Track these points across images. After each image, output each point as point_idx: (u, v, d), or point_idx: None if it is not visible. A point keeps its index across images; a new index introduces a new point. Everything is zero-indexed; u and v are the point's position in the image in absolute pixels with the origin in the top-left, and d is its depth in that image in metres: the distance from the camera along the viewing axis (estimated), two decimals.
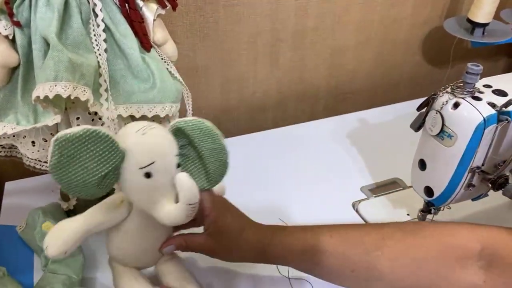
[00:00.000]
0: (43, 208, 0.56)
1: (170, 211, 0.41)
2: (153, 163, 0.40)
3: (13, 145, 0.55)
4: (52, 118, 0.46)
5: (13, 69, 0.47)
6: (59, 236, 0.43)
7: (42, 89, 0.42)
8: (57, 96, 0.43)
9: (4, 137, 0.52)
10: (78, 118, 0.52)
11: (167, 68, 0.53)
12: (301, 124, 0.85)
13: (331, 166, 0.74)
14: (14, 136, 0.53)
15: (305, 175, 0.72)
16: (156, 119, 0.50)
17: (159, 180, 0.41)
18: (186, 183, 0.40)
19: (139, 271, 0.49)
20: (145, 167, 0.40)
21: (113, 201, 0.45)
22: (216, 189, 0.49)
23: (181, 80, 0.54)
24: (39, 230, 0.54)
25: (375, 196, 0.68)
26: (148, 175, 0.40)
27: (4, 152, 0.56)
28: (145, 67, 0.49)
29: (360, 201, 0.67)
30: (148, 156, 0.40)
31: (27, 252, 0.57)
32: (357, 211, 0.65)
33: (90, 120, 0.52)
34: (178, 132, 0.44)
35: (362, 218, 0.64)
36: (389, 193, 0.68)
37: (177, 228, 0.49)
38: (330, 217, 0.63)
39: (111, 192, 0.44)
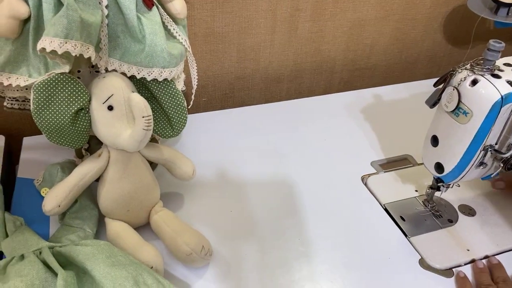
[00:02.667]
0: (60, 164, 0.58)
1: (130, 133, 0.47)
2: (112, 95, 0.47)
3: (26, 98, 0.56)
4: (61, 69, 0.47)
5: (24, 22, 0.48)
6: (52, 193, 0.50)
7: (49, 43, 0.42)
8: (66, 52, 0.44)
9: (17, 90, 0.54)
10: (79, 71, 0.54)
11: (170, 30, 0.52)
12: (315, 97, 0.85)
13: (343, 140, 0.74)
14: (27, 89, 0.54)
15: (317, 148, 0.72)
16: (155, 81, 0.51)
17: (120, 111, 0.47)
18: (135, 97, 0.45)
19: (130, 227, 0.53)
20: (106, 100, 0.47)
21: (94, 155, 0.52)
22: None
23: (185, 43, 0.53)
24: None
25: (384, 171, 0.68)
26: (110, 107, 0.47)
27: (18, 105, 0.57)
28: (140, 28, 0.48)
29: (369, 175, 0.67)
30: (107, 90, 0.47)
31: None
32: (365, 184, 0.66)
33: (88, 73, 0.54)
34: (139, 84, 0.51)
35: (371, 192, 0.64)
36: (399, 169, 0.69)
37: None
38: (339, 190, 0.64)
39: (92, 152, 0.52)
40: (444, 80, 0.52)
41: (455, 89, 0.50)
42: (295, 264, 0.53)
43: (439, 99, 0.53)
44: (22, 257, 0.45)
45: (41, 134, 0.71)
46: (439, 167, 0.55)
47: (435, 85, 0.53)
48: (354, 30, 0.88)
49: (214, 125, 0.76)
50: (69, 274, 0.41)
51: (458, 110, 0.50)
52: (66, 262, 0.44)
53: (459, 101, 0.49)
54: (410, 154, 0.72)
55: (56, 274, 0.42)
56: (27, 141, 0.70)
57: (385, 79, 0.99)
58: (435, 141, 0.55)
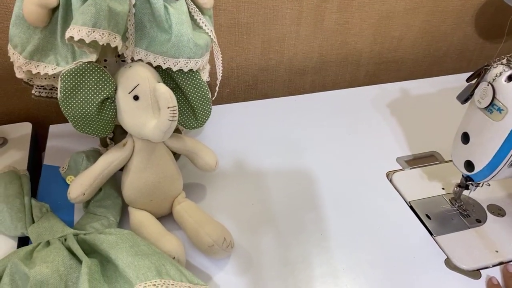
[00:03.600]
0: (85, 152, 0.58)
1: (156, 123, 0.47)
2: (138, 85, 0.47)
3: (54, 86, 0.57)
4: (88, 58, 0.47)
5: (53, 11, 0.48)
6: (77, 181, 0.51)
7: (77, 32, 0.42)
8: (93, 41, 0.44)
9: (45, 78, 0.54)
10: (105, 60, 0.54)
11: (197, 21, 0.52)
12: (340, 90, 0.83)
13: (368, 135, 0.73)
14: (54, 77, 0.54)
15: (340, 142, 0.71)
16: (181, 72, 0.50)
17: (145, 101, 0.47)
18: (161, 88, 0.45)
19: (153, 216, 0.53)
20: (132, 90, 0.47)
21: (119, 144, 0.52)
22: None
23: (211, 34, 0.53)
24: None
25: (410, 168, 0.66)
26: (136, 97, 0.47)
27: (45, 93, 0.58)
28: (166, 18, 0.48)
29: (395, 171, 0.66)
30: (133, 80, 0.47)
31: None
32: (390, 181, 0.64)
33: (115, 62, 0.54)
34: (164, 74, 0.51)
35: (396, 189, 0.63)
36: (426, 166, 0.67)
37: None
38: (362, 185, 0.63)
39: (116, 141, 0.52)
40: (478, 75, 0.50)
41: (489, 85, 0.48)
42: (316, 259, 0.53)
43: (471, 95, 0.51)
44: (48, 243, 0.46)
45: (67, 122, 0.72)
46: (469, 165, 0.53)
47: (468, 80, 0.51)
48: (381, 22, 0.86)
49: (237, 117, 0.75)
50: (93, 262, 0.42)
51: (492, 107, 0.48)
52: (90, 250, 0.45)
53: (494, 97, 0.47)
54: (437, 151, 0.70)
55: (80, 261, 0.43)
56: (53, 128, 0.71)
57: (412, 73, 0.97)
58: (465, 138, 0.53)
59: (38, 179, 0.65)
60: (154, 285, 0.37)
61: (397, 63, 0.94)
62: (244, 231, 0.55)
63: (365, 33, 0.86)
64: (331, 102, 0.80)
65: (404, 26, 0.88)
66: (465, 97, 0.52)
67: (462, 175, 0.56)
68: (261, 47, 0.82)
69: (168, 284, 0.38)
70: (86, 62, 0.46)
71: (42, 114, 0.78)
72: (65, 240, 0.46)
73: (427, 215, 0.59)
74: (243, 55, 0.82)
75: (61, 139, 0.69)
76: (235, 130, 0.72)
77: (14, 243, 0.53)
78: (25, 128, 0.71)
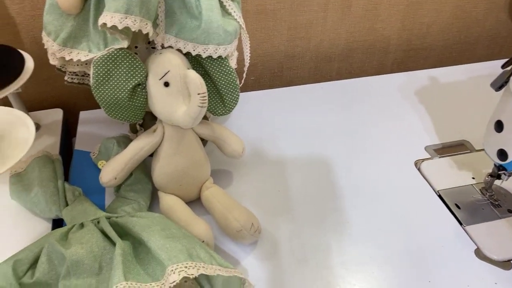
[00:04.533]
0: (116, 138, 0.60)
1: (186, 109, 0.47)
2: (168, 71, 0.47)
3: (86, 73, 0.58)
4: (120, 45, 0.47)
5: None
6: (108, 166, 0.52)
7: (110, 18, 0.43)
8: (126, 27, 0.44)
9: (77, 64, 0.55)
10: (136, 47, 0.54)
11: (226, 7, 0.52)
12: (367, 78, 0.82)
13: (395, 123, 0.72)
14: (86, 64, 0.55)
15: (368, 130, 0.70)
16: (210, 58, 0.50)
17: (175, 88, 0.48)
18: (191, 74, 0.45)
19: (182, 201, 0.54)
20: (162, 76, 0.48)
21: (149, 130, 0.53)
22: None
23: (239, 21, 0.53)
24: None
25: (439, 157, 0.65)
26: (166, 84, 0.48)
27: (77, 79, 0.59)
28: (196, 4, 0.48)
29: (423, 160, 0.65)
30: (164, 66, 0.48)
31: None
32: (419, 169, 0.63)
33: (145, 49, 0.55)
34: (193, 61, 0.51)
35: (424, 178, 0.62)
36: (455, 154, 0.66)
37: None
38: (390, 174, 0.63)
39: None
40: None
41: None
42: (343, 247, 0.53)
43: (506, 82, 0.50)
44: (81, 225, 0.47)
45: (97, 108, 0.74)
46: (502, 154, 0.52)
47: (503, 66, 0.50)
48: (411, 8, 0.84)
49: (262, 104, 0.75)
50: (126, 244, 0.43)
51: None
52: (122, 232, 0.46)
53: None
54: (467, 140, 0.68)
55: (113, 243, 0.44)
56: (83, 115, 0.73)
57: (441, 61, 0.94)
58: (499, 126, 0.51)
59: (69, 164, 0.67)
60: (186, 266, 0.38)
61: (426, 50, 0.92)
62: (270, 217, 0.56)
63: (393, 19, 0.85)
64: (358, 89, 0.79)
65: (434, 11, 0.86)
66: (500, 84, 0.50)
67: (494, 164, 0.55)
68: (288, 33, 0.81)
69: (199, 267, 0.38)
70: (118, 48, 0.47)
71: (72, 101, 0.80)
72: (98, 222, 0.47)
73: (456, 205, 0.58)
74: (269, 42, 0.81)
75: (91, 125, 0.71)
76: (260, 118, 0.72)
77: (49, 225, 0.55)
78: (57, 114, 0.73)
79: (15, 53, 0.59)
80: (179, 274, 0.37)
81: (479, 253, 0.52)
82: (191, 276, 0.38)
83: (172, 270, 0.38)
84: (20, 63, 0.57)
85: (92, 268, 0.42)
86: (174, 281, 0.37)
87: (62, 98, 0.79)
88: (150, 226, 0.43)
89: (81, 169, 0.63)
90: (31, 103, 0.76)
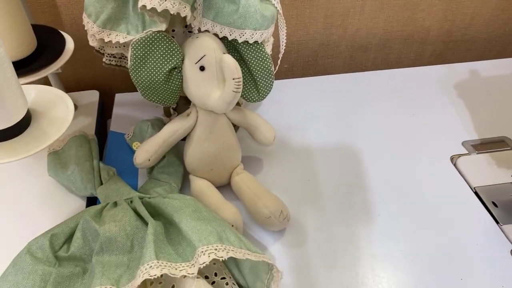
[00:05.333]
0: (150, 120, 0.61)
1: (220, 94, 0.48)
2: (204, 56, 0.47)
3: (123, 55, 0.59)
4: (157, 28, 0.48)
5: None
6: (143, 148, 0.53)
7: (150, 1, 0.43)
8: (164, 10, 0.45)
9: (116, 46, 0.56)
10: (173, 30, 0.54)
11: None
12: (404, 69, 0.80)
13: (433, 116, 0.70)
14: (124, 46, 0.56)
15: (403, 123, 0.68)
16: (246, 43, 0.50)
17: (211, 72, 0.48)
18: (227, 59, 0.45)
19: (213, 185, 0.54)
20: (198, 60, 0.48)
21: (183, 114, 0.54)
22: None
23: (277, 6, 0.52)
24: None
25: (477, 153, 0.63)
26: (202, 68, 0.48)
27: (115, 61, 0.60)
28: None
29: (460, 155, 0.63)
30: (200, 51, 0.48)
31: (133, 158, 0.62)
32: (455, 165, 0.61)
33: (182, 33, 0.55)
34: (229, 46, 0.51)
35: (460, 173, 0.60)
36: (494, 151, 0.63)
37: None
38: (425, 168, 0.61)
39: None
40: None
41: None
42: (374, 239, 0.52)
43: None
44: (115, 204, 0.48)
45: (132, 91, 0.75)
46: None
47: None
48: None
49: (295, 92, 0.75)
50: (158, 223, 0.44)
51: None
52: (154, 213, 0.47)
53: None
54: (508, 136, 0.66)
55: (145, 222, 0.45)
56: (119, 97, 0.74)
57: (483, 54, 0.91)
58: None
59: (103, 145, 0.69)
60: (216, 249, 0.38)
61: (468, 43, 0.88)
62: (300, 206, 0.56)
63: (434, 9, 0.82)
64: (394, 80, 0.77)
65: (478, 2, 0.82)
66: None
67: None
68: (324, 21, 0.80)
69: (229, 250, 0.39)
70: (156, 31, 0.47)
71: (108, 83, 0.82)
72: (131, 202, 0.48)
73: (493, 203, 0.56)
74: (304, 29, 0.80)
75: (126, 108, 0.72)
76: (292, 106, 0.72)
77: (83, 202, 0.57)
78: (93, 96, 0.74)
79: (56, 34, 0.61)
80: (209, 256, 0.38)
81: None
82: (220, 259, 0.38)
83: (202, 251, 0.38)
84: (61, 44, 0.59)
85: (125, 246, 0.43)
86: (204, 262, 0.37)
87: (98, 80, 0.81)
88: (182, 208, 0.44)
89: (115, 150, 0.64)
90: (68, 84, 0.78)
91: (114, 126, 0.68)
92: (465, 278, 0.48)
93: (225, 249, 0.39)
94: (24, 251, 0.43)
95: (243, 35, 0.49)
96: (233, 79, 0.45)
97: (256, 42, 0.50)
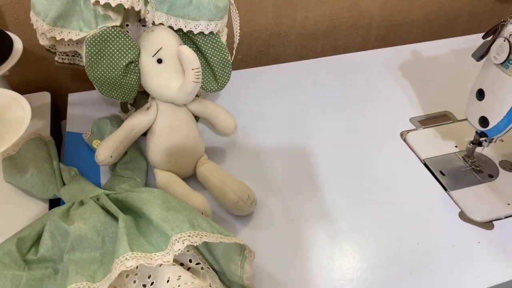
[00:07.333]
0: (108, 117, 0.60)
1: (180, 85, 0.48)
2: (161, 48, 0.48)
3: (76, 52, 0.58)
4: (112, 23, 0.48)
5: None
6: (104, 145, 0.53)
7: None
8: (119, 5, 0.45)
9: (68, 44, 0.55)
10: (127, 25, 0.54)
11: None
12: (351, 54, 0.84)
13: (380, 96, 0.74)
14: (77, 43, 0.55)
15: (354, 105, 0.72)
16: (201, 34, 0.51)
17: (169, 64, 0.48)
18: (185, 50, 0.46)
19: (178, 177, 0.55)
20: (155, 53, 0.48)
21: (142, 108, 0.54)
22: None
23: None
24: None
25: (424, 127, 0.68)
26: (159, 60, 0.48)
27: (68, 59, 0.59)
28: None
29: (408, 131, 0.67)
30: (156, 43, 0.48)
31: (93, 156, 0.61)
32: (404, 140, 0.66)
33: (136, 27, 0.55)
34: (185, 38, 0.52)
35: (410, 148, 0.64)
36: (439, 125, 0.68)
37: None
38: (377, 146, 0.65)
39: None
40: (494, 31, 0.51)
41: (506, 40, 0.48)
42: (335, 216, 0.55)
43: (487, 52, 0.52)
44: (81, 202, 0.48)
45: (85, 90, 0.74)
46: (483, 121, 0.54)
47: (484, 37, 0.52)
48: None
49: (249, 82, 0.76)
50: (128, 217, 0.44)
51: (509, 62, 0.49)
52: (122, 208, 0.47)
53: (510, 52, 0.48)
54: (450, 111, 0.71)
55: (114, 218, 0.45)
56: (72, 97, 0.72)
57: (423, 36, 0.96)
58: (480, 95, 0.54)
59: (59, 147, 0.67)
60: (189, 235, 0.39)
61: (408, 26, 0.94)
62: (264, 190, 0.57)
63: None
64: (343, 65, 0.81)
65: None
66: (481, 54, 0.53)
67: (476, 132, 0.58)
68: (273, 11, 0.82)
69: (202, 235, 0.40)
70: (110, 27, 0.47)
71: (58, 84, 0.79)
72: (98, 199, 0.48)
73: (441, 172, 0.61)
74: (255, 20, 0.82)
75: (80, 107, 0.71)
76: (247, 96, 0.73)
77: (46, 205, 0.55)
78: (45, 97, 0.72)
79: (3, 35, 0.58)
80: (183, 243, 0.39)
81: (462, 216, 0.55)
82: (195, 244, 0.39)
83: (176, 239, 0.39)
84: (8, 45, 0.57)
85: (96, 242, 0.43)
86: (179, 249, 0.38)
87: (49, 81, 0.78)
88: (151, 200, 0.44)
89: (73, 151, 0.63)
90: (17, 86, 0.75)
91: (70, 126, 0.67)
92: (421, 242, 0.52)
93: (198, 235, 0.40)
94: None
95: (198, 26, 0.50)
96: (192, 69, 0.46)
97: (211, 32, 0.51)
